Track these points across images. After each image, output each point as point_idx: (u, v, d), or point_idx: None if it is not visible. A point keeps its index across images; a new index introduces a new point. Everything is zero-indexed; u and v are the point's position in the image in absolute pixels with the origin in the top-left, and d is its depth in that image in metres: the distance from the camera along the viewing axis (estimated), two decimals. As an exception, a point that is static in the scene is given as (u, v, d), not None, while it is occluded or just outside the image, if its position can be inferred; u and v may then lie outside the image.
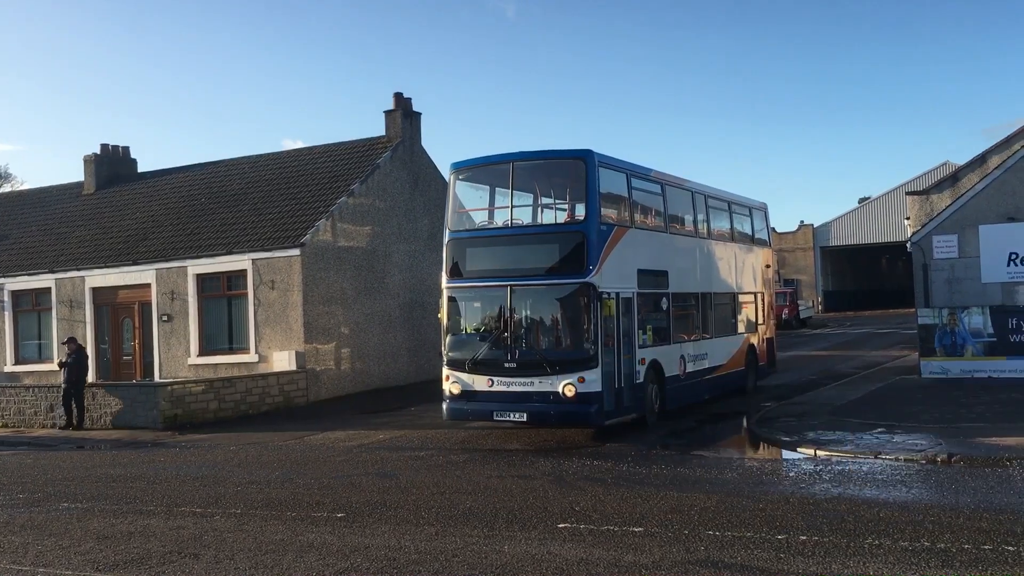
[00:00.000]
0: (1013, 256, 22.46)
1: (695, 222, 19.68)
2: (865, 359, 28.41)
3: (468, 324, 16.15)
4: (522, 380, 15.00)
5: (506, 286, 15.27)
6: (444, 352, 15.99)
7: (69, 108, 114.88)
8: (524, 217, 16.58)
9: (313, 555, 8.58)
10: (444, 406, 15.90)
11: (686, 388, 18.00)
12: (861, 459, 12.76)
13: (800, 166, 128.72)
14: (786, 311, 46.75)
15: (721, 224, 21.01)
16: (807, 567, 7.57)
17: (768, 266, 23.44)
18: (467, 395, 15.52)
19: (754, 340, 21.78)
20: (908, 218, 35.75)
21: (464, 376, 15.51)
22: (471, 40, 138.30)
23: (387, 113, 27.74)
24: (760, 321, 22.32)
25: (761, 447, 14.79)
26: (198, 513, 10.86)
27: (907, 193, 39.29)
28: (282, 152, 31.29)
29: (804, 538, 8.48)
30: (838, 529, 8.80)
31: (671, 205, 18.42)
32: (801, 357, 30.84)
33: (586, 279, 14.76)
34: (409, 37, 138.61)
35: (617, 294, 15.40)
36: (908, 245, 24.60)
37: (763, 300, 22.77)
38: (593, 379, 14.61)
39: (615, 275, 15.40)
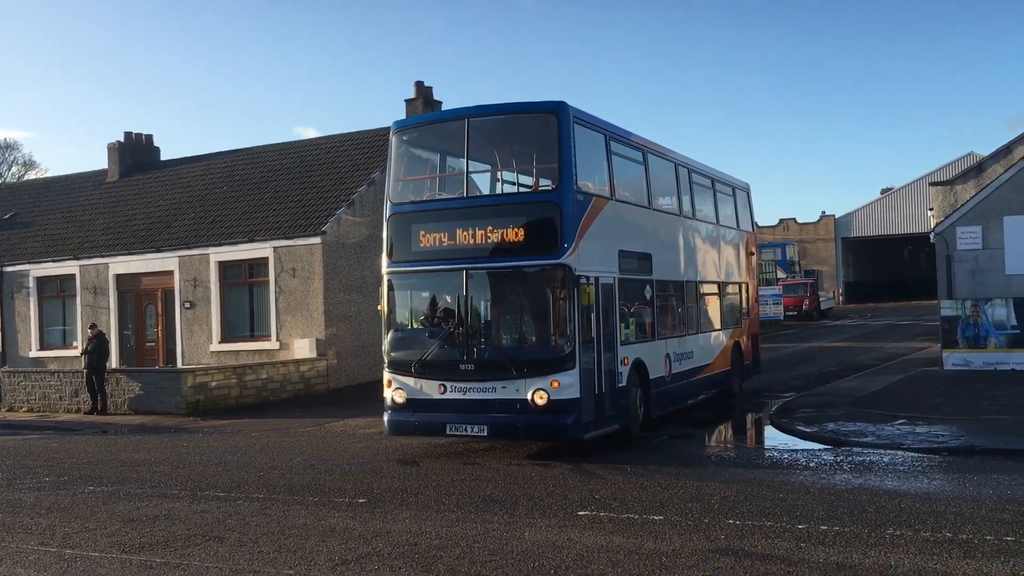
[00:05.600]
0: (1038, 248, 22.22)
1: (679, 199, 17.07)
2: (886, 350, 28.23)
3: (415, 317, 13.90)
4: (482, 385, 12.54)
5: (461, 270, 12.80)
6: (385, 352, 13.53)
7: (87, 96, 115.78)
8: (483, 186, 14.38)
9: (335, 539, 8.66)
10: (385, 418, 13.47)
11: (671, 392, 15.69)
12: (882, 450, 12.71)
13: (822, 157, 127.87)
14: (806, 302, 46.54)
15: (705, 203, 18.61)
16: (828, 556, 7.57)
17: (752, 254, 21.53)
18: (413, 404, 13.01)
19: (740, 336, 19.70)
20: (931, 209, 35.47)
21: (410, 381, 13.02)
22: (489, 29, 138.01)
23: (408, 102, 27.77)
24: (745, 315, 20.36)
25: (781, 438, 14.72)
26: (221, 497, 10.98)
27: (931, 183, 38.95)
28: (303, 141, 31.45)
29: (825, 528, 8.48)
30: (859, 519, 8.78)
31: (654, 177, 15.78)
32: (821, 348, 30.71)
33: (560, 260, 12.34)
34: (427, 26, 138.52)
35: (596, 279, 13.00)
36: (931, 236, 24.40)
37: (748, 292, 20.83)
38: (570, 383, 12.21)
39: (594, 256, 13.01)
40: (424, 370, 12.93)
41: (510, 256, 12.78)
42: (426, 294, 13.77)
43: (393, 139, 13.93)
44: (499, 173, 14.66)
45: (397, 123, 14.11)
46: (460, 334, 12.79)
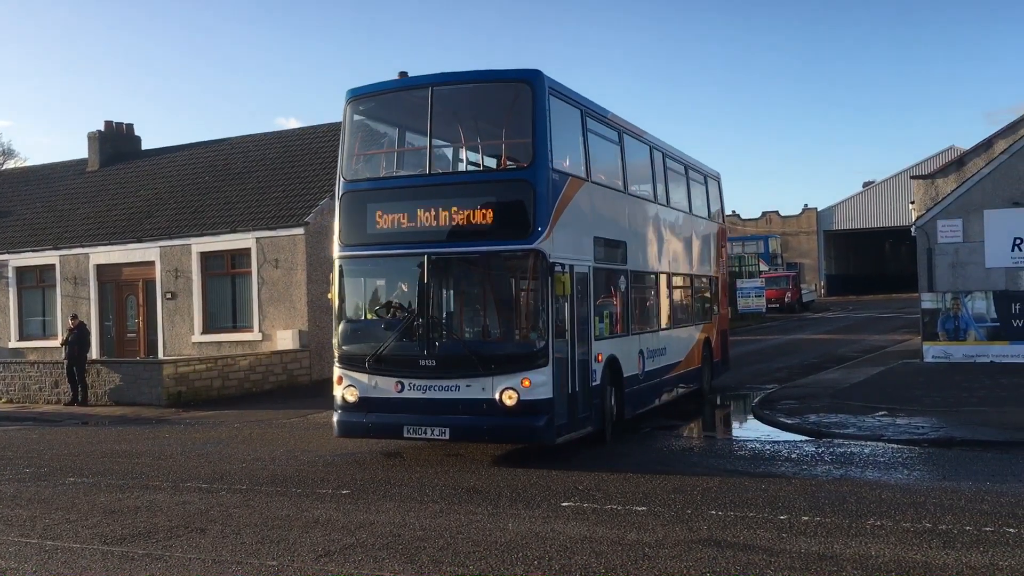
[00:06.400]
0: (1018, 241, 22.48)
1: (653, 184, 16.04)
2: (867, 343, 28.44)
3: (369, 307, 12.69)
4: (444, 383, 11.40)
5: (422, 254, 11.62)
6: (336, 344, 12.31)
7: (67, 84, 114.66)
8: (446, 162, 13.27)
9: (319, 531, 8.64)
10: (334, 419, 12.28)
11: (644, 391, 14.77)
12: (863, 441, 12.80)
13: (805, 150, 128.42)
14: (788, 294, 46.86)
15: (678, 191, 17.53)
16: (809, 547, 7.62)
17: (723, 247, 20.74)
18: (367, 404, 11.80)
19: (711, 333, 18.81)
20: (913, 202, 35.74)
21: (363, 378, 11.82)
22: (476, 19, 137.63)
23: (392, 92, 27.62)
24: (716, 311, 19.55)
25: (763, 429, 14.79)
26: (204, 489, 10.93)
27: (912, 177, 39.25)
28: (286, 131, 31.36)
29: (806, 519, 8.53)
30: (840, 510, 8.84)
31: (629, 160, 14.72)
32: (803, 341, 30.89)
33: (533, 245, 11.24)
34: (410, 16, 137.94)
35: (571, 267, 11.91)
36: (913, 229, 24.60)
37: (719, 286, 20.00)
38: (542, 382, 11.11)
39: (568, 242, 11.93)
40: (379, 366, 11.74)
41: (477, 240, 11.62)
42: (382, 281, 12.62)
43: (347, 109, 12.65)
44: (463, 149, 13.51)
45: (352, 91, 12.69)
46: (420, 326, 11.60)
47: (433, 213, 11.84)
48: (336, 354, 12.23)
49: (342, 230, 12.33)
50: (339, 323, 12.30)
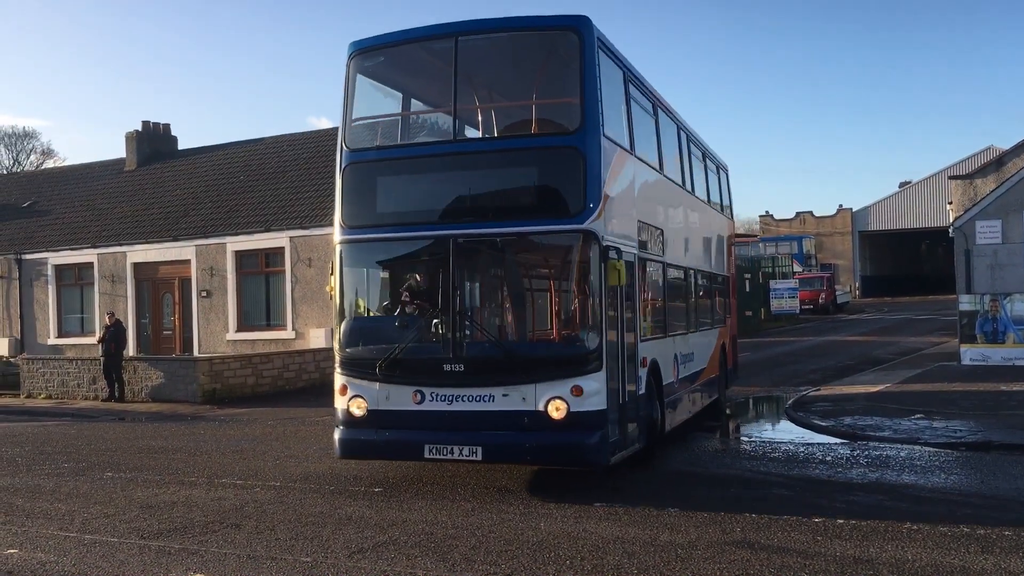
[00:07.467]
0: (1058, 243, 22.09)
1: (680, 168, 14.12)
2: (903, 345, 28.09)
3: (379, 301, 10.72)
4: (475, 392, 9.43)
5: (447, 237, 9.63)
6: (337, 347, 10.24)
7: (104, 85, 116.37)
8: (473, 125, 11.11)
9: (351, 528, 8.69)
10: (336, 437, 10.20)
11: (679, 401, 13.07)
12: (899, 444, 12.65)
13: (840, 150, 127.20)
14: (823, 296, 46.41)
15: (700, 179, 15.70)
16: (844, 550, 7.54)
17: (732, 244, 19.35)
18: (378, 418, 9.78)
19: (726, 337, 17.20)
20: (951, 203, 35.31)
21: (373, 387, 9.77)
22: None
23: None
24: (729, 314, 18.08)
25: (797, 431, 14.66)
26: (238, 485, 11.03)
27: (950, 177, 38.75)
28: (319, 131, 31.60)
29: (841, 521, 8.45)
30: (876, 513, 8.74)
31: (662, 137, 12.96)
32: (838, 342, 30.59)
33: (584, 225, 9.27)
34: (439, 17, 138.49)
35: (619, 252, 9.94)
36: (950, 230, 24.30)
37: (730, 287, 18.57)
38: (595, 389, 9.21)
39: (617, 225, 9.98)
40: (394, 372, 9.70)
41: (514, 219, 9.70)
42: (396, 270, 10.47)
43: (351, 64, 10.45)
44: (494, 111, 11.35)
45: (356, 43, 10.52)
46: (444, 324, 9.57)
47: (459, 187, 9.93)
48: (338, 358, 10.17)
49: (345, 209, 10.20)
50: (341, 321, 10.25)
